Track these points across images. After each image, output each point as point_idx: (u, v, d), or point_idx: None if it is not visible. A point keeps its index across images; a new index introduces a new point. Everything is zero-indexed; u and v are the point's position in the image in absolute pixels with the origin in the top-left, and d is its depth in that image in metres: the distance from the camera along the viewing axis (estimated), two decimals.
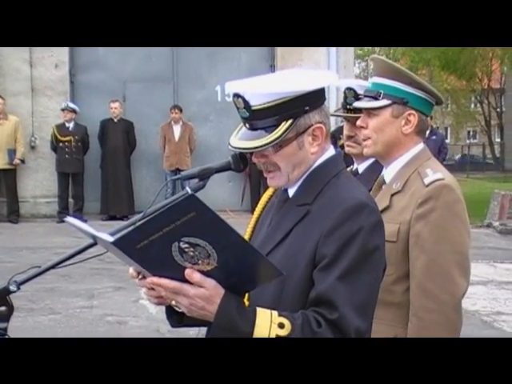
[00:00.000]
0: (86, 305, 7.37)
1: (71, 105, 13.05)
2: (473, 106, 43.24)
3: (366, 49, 36.60)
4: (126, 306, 7.25)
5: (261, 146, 1.91)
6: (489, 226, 13.29)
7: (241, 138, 1.97)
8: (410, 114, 2.59)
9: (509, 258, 10.41)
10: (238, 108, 1.96)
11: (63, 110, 12.95)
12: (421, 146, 2.65)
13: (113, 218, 12.61)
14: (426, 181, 2.50)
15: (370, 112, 2.62)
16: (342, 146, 3.32)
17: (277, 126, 1.91)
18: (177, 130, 13.34)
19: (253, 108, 1.92)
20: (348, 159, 3.33)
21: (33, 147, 13.45)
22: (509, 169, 31.40)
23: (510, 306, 7.69)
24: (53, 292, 7.78)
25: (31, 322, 6.67)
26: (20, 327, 6.31)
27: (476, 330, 6.29)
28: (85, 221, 12.42)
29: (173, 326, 2.03)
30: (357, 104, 2.73)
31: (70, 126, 13.03)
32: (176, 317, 2.00)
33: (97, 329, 6.52)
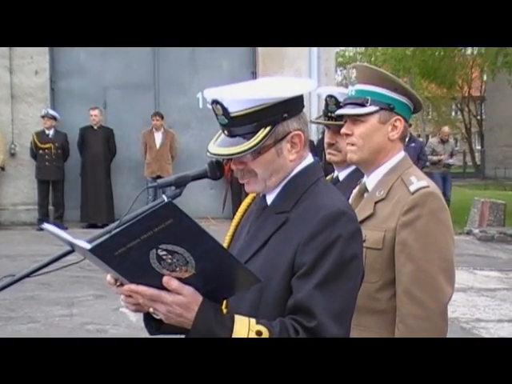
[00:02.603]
0: (66, 313, 7.31)
1: (51, 112, 12.99)
2: (453, 113, 43.54)
3: (347, 56, 36.77)
4: (106, 315, 7.20)
5: (239, 153, 1.91)
6: (469, 233, 13.35)
7: (219, 145, 1.97)
8: (396, 120, 2.61)
9: (488, 265, 10.47)
10: (216, 115, 1.96)
11: (43, 117, 12.88)
12: (402, 153, 2.67)
13: (93, 226, 12.53)
14: (412, 188, 2.50)
15: (356, 119, 2.62)
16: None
17: (255, 132, 1.91)
18: (158, 137, 13.31)
19: (231, 115, 1.92)
20: (328, 167, 3.34)
21: (13, 154, 13.37)
22: (489, 176, 31.63)
23: (489, 313, 7.73)
24: (32, 300, 7.71)
25: (10, 330, 6.60)
26: None
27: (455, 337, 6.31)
28: (65, 229, 12.38)
29: (151, 333, 2.03)
30: (342, 111, 2.70)
31: (50, 133, 12.97)
32: (154, 324, 1.99)
33: (76, 337, 6.46)
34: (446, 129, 16.62)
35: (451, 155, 15.88)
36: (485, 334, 6.83)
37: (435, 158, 15.35)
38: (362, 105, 2.60)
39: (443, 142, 15.61)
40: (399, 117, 2.61)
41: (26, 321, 6.98)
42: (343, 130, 2.68)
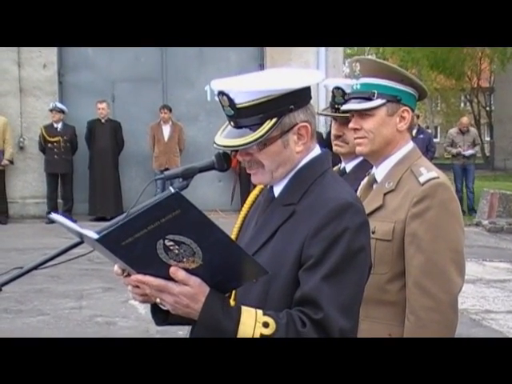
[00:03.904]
0: (75, 306, 7.35)
1: (59, 105, 13.02)
2: (462, 104, 43.31)
3: (355, 48, 36.64)
4: (115, 307, 7.23)
5: (245, 144, 1.91)
6: (478, 224, 13.34)
7: (226, 136, 1.97)
8: (403, 111, 2.61)
9: (498, 256, 10.45)
10: (223, 106, 1.96)
11: (51, 110, 12.92)
12: (411, 144, 2.66)
13: (102, 219, 12.56)
14: (421, 179, 2.50)
15: (364, 113, 2.61)
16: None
17: (261, 124, 1.91)
18: (166, 129, 13.33)
19: (237, 106, 1.92)
20: (335, 158, 3.33)
21: (21, 148, 13.42)
22: (498, 167, 31.50)
23: (498, 304, 7.72)
24: (41, 293, 7.75)
25: (19, 323, 6.64)
26: (8, 328, 6.29)
27: (465, 329, 6.31)
28: (74, 221, 12.37)
29: (158, 324, 2.03)
30: (348, 106, 2.68)
31: (59, 126, 13.01)
32: (161, 315, 1.99)
33: (86, 330, 6.50)
34: (464, 119, 16.25)
35: (474, 145, 15.46)
36: (494, 326, 6.83)
37: (454, 151, 15.09)
38: (369, 98, 2.59)
39: (462, 132, 15.31)
40: (406, 107, 2.61)
41: (36, 313, 7.02)
42: (351, 125, 2.66)
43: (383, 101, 2.59)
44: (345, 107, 2.73)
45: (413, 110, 2.65)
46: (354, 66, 2.67)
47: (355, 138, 2.66)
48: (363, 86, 2.63)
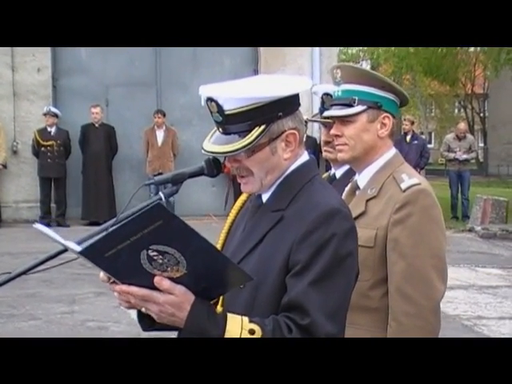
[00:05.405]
0: (67, 310, 7.34)
1: (53, 109, 13.02)
2: (456, 110, 43.46)
3: (349, 53, 36.74)
4: (107, 312, 7.21)
5: (232, 151, 1.92)
6: (471, 230, 13.36)
7: (214, 142, 1.97)
8: (384, 117, 2.61)
9: (490, 262, 10.46)
10: (211, 112, 1.96)
11: (45, 114, 12.92)
12: (393, 150, 2.66)
13: (95, 223, 12.52)
14: (403, 186, 2.50)
15: (345, 119, 2.61)
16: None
17: (250, 131, 1.92)
18: (160, 134, 13.34)
19: (226, 112, 1.92)
20: (327, 164, 3.33)
21: (15, 152, 13.40)
22: (492, 173, 31.60)
23: (490, 310, 7.73)
24: (34, 297, 7.73)
25: (11, 327, 6.63)
26: (0, 333, 6.27)
27: (456, 334, 6.30)
28: (67, 226, 12.38)
29: (144, 329, 2.02)
30: (329, 113, 2.69)
31: (52, 130, 13.00)
32: (147, 320, 1.98)
33: (78, 334, 6.48)
34: (461, 125, 16.20)
35: (470, 151, 15.38)
36: (486, 332, 6.83)
37: (451, 155, 15.08)
38: (350, 105, 2.60)
39: (459, 138, 15.28)
40: (387, 114, 2.61)
41: (28, 318, 7.00)
42: (332, 132, 2.67)
43: (364, 107, 2.59)
44: (326, 114, 2.74)
45: (394, 117, 2.65)
46: (335, 73, 2.68)
47: (336, 145, 2.67)
48: (344, 93, 2.63)
